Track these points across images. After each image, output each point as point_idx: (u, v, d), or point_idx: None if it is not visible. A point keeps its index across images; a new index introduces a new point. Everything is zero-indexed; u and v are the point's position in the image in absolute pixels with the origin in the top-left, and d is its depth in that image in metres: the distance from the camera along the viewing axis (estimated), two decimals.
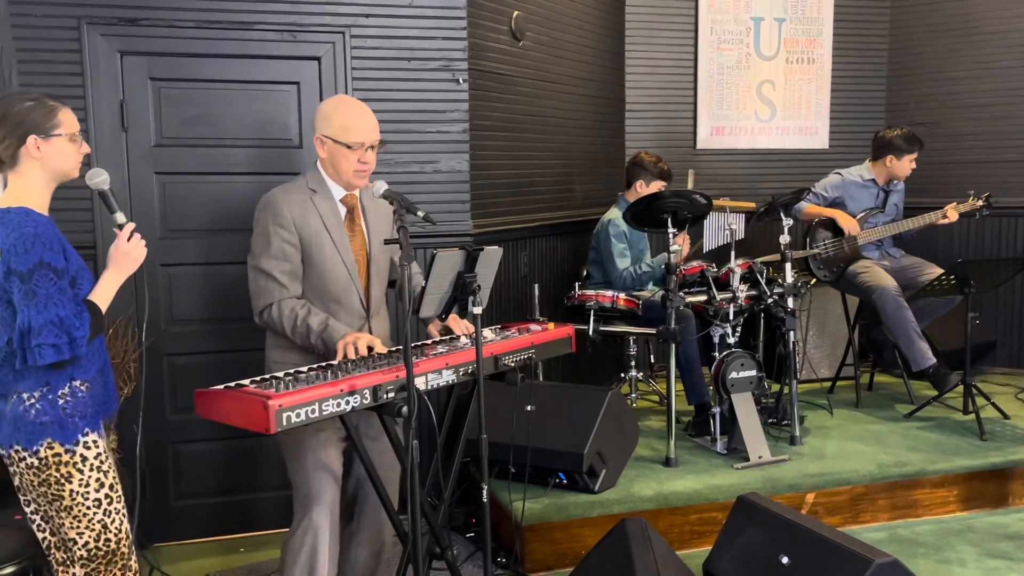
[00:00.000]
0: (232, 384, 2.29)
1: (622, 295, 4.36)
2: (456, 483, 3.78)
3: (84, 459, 2.21)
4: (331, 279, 2.68)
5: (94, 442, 2.23)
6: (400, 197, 2.41)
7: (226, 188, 3.70)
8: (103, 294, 2.23)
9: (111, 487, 2.27)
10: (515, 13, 4.41)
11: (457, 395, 2.81)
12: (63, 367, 2.17)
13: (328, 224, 2.68)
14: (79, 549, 2.25)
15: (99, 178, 2.29)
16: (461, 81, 3.95)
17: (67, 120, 2.23)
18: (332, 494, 2.61)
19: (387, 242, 2.40)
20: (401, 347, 2.41)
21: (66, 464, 2.19)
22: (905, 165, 4.80)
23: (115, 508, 2.28)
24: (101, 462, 2.24)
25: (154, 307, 3.65)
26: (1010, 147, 5.63)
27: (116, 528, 2.28)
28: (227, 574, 3.50)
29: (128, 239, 2.26)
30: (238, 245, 3.48)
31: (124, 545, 2.30)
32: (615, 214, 4.51)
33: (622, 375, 4.93)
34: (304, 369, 2.41)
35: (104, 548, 2.27)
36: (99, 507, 2.24)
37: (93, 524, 2.24)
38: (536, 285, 4.39)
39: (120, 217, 2.28)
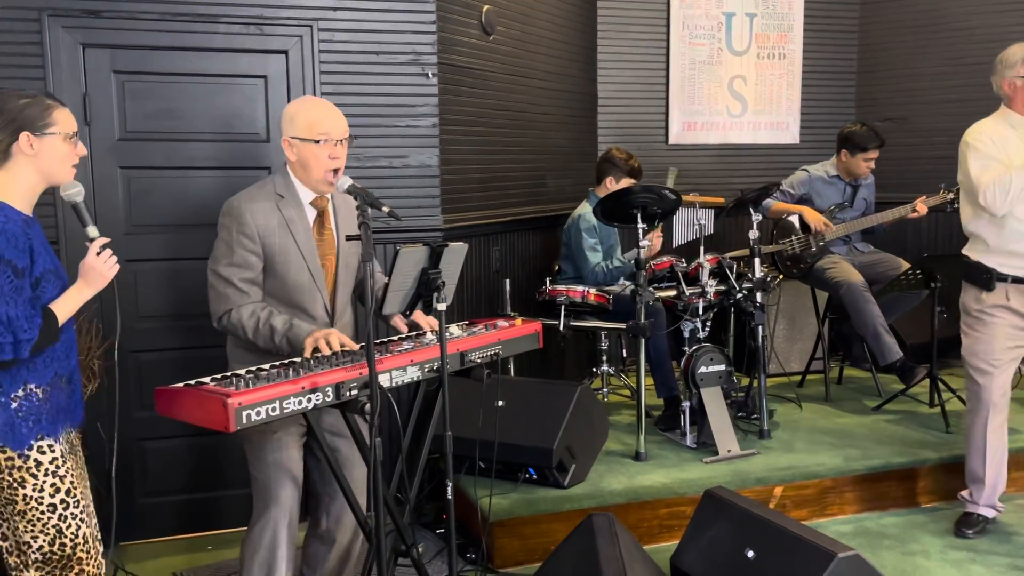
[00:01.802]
0: (192, 382, 2.27)
1: (593, 290, 4.37)
2: (426, 479, 3.80)
3: (38, 464, 2.18)
4: (295, 289, 2.66)
5: (49, 447, 2.20)
6: (364, 192, 2.39)
7: (192, 183, 3.66)
8: (65, 305, 2.18)
9: (67, 492, 2.23)
10: (485, 7, 4.39)
11: (424, 391, 2.80)
12: (7, 367, 2.12)
13: (295, 232, 2.64)
14: (34, 552, 2.22)
15: (73, 189, 2.24)
16: (431, 75, 3.93)
17: (62, 119, 2.20)
18: (291, 491, 2.61)
19: (349, 238, 2.38)
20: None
21: (19, 469, 2.16)
22: (859, 163, 4.79)
23: (72, 513, 2.24)
24: (57, 467, 2.21)
25: (120, 304, 3.60)
26: None
27: (72, 534, 2.24)
28: (194, 572, 3.47)
29: (98, 254, 2.20)
30: (205, 240, 3.43)
31: (81, 550, 2.26)
32: (585, 209, 4.51)
33: (594, 370, 4.95)
34: (266, 367, 2.39)
35: (59, 553, 2.23)
36: (54, 512, 2.20)
37: (48, 529, 2.21)
38: (507, 280, 4.38)
39: (92, 231, 2.23)
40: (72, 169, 2.24)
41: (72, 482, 2.24)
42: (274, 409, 2.17)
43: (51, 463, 2.19)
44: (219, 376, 2.33)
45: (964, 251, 3.53)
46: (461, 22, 4.19)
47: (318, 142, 2.60)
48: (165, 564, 3.55)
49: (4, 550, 2.30)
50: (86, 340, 3.35)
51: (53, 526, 2.20)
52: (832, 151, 5.04)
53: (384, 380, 2.41)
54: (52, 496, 2.19)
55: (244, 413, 2.10)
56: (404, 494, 2.80)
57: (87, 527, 2.27)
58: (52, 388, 2.21)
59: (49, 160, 2.17)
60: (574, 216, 4.58)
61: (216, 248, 2.65)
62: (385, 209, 2.39)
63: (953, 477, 4.00)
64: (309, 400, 2.24)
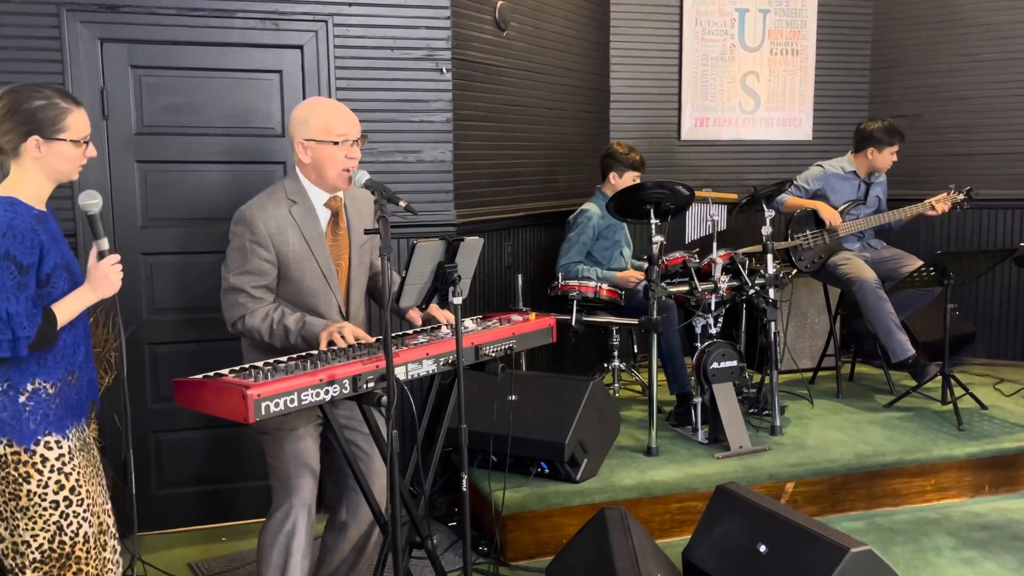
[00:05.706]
0: (211, 373, 2.29)
1: (605, 286, 4.38)
2: (438, 472, 3.82)
3: (44, 459, 2.16)
4: (309, 293, 2.67)
5: (56, 443, 2.18)
6: (381, 187, 2.40)
7: (208, 177, 3.69)
8: (67, 307, 2.17)
9: (71, 490, 2.21)
10: (499, 3, 4.40)
11: (439, 384, 2.82)
12: (17, 364, 2.11)
13: (309, 238, 2.65)
14: (32, 552, 2.19)
15: (91, 201, 2.24)
16: (445, 71, 3.94)
17: (75, 125, 2.19)
18: (310, 481, 2.63)
19: (367, 232, 2.39)
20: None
21: (24, 464, 2.14)
22: (886, 158, 4.83)
23: (74, 511, 2.22)
24: (64, 463, 2.19)
25: (135, 296, 3.64)
26: (991, 140, 5.66)
27: (72, 532, 2.22)
28: (209, 563, 3.50)
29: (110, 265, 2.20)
30: (220, 234, 3.46)
31: (80, 549, 2.23)
32: (590, 206, 4.53)
33: (605, 365, 4.95)
34: (284, 359, 2.41)
35: (58, 551, 2.21)
36: (56, 509, 2.19)
37: (48, 526, 2.18)
38: (520, 275, 4.39)
39: (104, 244, 2.22)
40: (78, 169, 2.23)
41: (77, 480, 2.22)
42: (292, 401, 2.19)
43: (57, 459, 2.18)
44: (238, 368, 2.35)
45: None
46: (475, 18, 4.20)
47: (337, 143, 2.60)
48: (180, 555, 3.58)
49: (2, 551, 2.25)
50: (103, 332, 3.38)
51: (54, 523, 2.19)
52: (845, 147, 5.04)
53: (400, 373, 2.43)
54: (55, 493, 2.18)
55: (263, 405, 2.12)
56: (418, 486, 2.82)
57: (89, 526, 2.25)
58: (63, 384, 2.21)
59: (55, 162, 2.17)
60: (577, 212, 4.59)
61: (228, 256, 2.65)
62: (402, 204, 2.41)
63: (965, 475, 4.01)
64: (327, 392, 2.26)
